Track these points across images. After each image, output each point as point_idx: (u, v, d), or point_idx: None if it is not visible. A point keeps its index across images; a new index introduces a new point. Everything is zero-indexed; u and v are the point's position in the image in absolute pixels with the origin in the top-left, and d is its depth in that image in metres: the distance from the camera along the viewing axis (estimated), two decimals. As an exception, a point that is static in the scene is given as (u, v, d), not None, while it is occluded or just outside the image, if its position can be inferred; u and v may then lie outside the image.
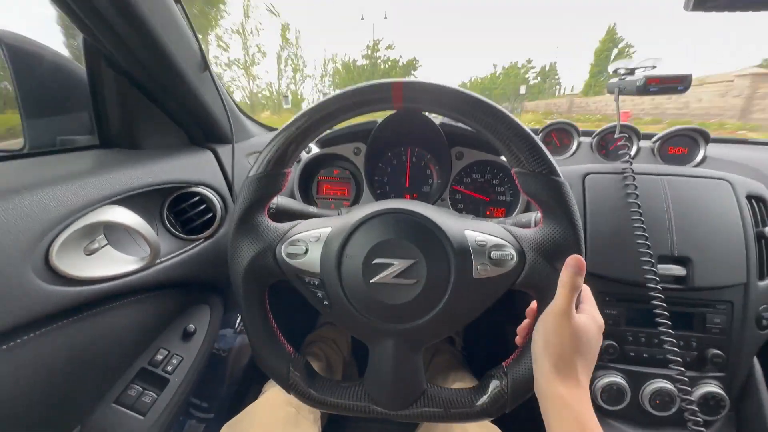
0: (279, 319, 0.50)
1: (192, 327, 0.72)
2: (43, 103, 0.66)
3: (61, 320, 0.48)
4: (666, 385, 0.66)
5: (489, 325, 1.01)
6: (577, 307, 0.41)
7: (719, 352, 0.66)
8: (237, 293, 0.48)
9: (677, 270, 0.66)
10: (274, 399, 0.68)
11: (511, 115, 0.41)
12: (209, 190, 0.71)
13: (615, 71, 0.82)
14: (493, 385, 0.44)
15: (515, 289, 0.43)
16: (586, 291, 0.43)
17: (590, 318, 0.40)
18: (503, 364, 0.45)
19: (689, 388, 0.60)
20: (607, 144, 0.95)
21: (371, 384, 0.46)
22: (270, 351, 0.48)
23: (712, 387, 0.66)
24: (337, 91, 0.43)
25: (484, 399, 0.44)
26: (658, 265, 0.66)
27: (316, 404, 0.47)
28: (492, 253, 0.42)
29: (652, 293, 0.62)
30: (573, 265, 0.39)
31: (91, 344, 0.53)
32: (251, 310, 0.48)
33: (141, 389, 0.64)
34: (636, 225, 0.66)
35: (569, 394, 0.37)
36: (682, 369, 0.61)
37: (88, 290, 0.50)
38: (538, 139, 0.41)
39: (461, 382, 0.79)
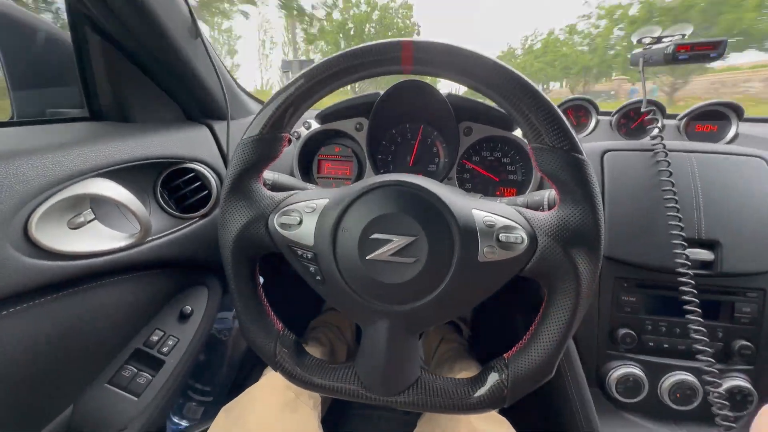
0: (285, 301, 0.48)
1: (188, 308, 0.70)
2: (32, 74, 0.64)
3: (45, 296, 0.46)
4: (688, 377, 0.62)
5: (498, 314, 0.98)
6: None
7: (748, 343, 0.61)
8: (225, 263, 0.45)
9: (704, 254, 0.61)
10: (273, 383, 0.67)
11: (532, 83, 0.36)
12: (205, 167, 0.68)
13: (639, 41, 0.76)
14: (492, 377, 0.41)
15: (523, 275, 0.40)
16: None
17: None
18: (504, 355, 0.42)
19: (718, 381, 0.55)
20: (629, 122, 0.88)
21: (362, 367, 0.43)
22: (257, 326, 0.46)
23: (739, 381, 0.61)
24: (341, 51, 0.39)
25: (481, 391, 0.40)
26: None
27: (302, 384, 0.44)
28: (500, 235, 0.38)
29: (683, 279, 0.57)
30: None
31: (80, 322, 0.52)
32: (239, 282, 0.45)
33: (135, 370, 0.62)
34: (669, 206, 0.60)
35: None
36: (712, 360, 0.56)
37: (72, 265, 0.48)
38: (559, 110, 0.36)
39: (467, 372, 0.76)
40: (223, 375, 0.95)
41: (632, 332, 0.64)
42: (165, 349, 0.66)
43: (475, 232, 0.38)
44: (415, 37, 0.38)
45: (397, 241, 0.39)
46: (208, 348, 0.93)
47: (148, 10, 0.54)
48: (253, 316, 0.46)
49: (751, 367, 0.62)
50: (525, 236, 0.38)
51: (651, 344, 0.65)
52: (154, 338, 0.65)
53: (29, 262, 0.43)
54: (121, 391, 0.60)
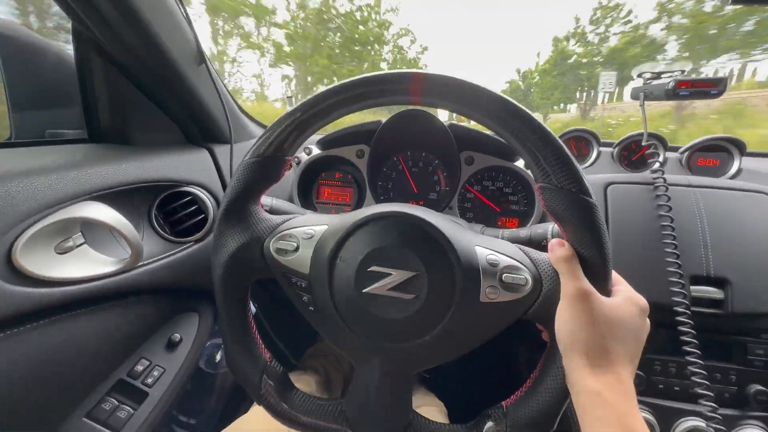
0: (282, 327, 0.45)
1: (177, 336, 0.67)
2: (33, 94, 0.64)
3: (25, 324, 0.44)
4: (701, 423, 0.58)
5: (492, 351, 0.94)
6: (610, 289, 0.36)
7: (764, 388, 0.58)
8: (215, 286, 0.43)
9: (714, 292, 0.59)
10: (264, 415, 0.63)
11: (541, 121, 0.36)
12: (202, 190, 0.67)
13: (640, 75, 0.77)
14: (489, 427, 0.38)
15: (526, 319, 0.38)
16: (616, 275, 0.38)
17: (626, 299, 0.35)
18: (503, 403, 0.39)
19: (724, 428, 0.52)
20: (630, 153, 0.88)
21: (351, 405, 0.41)
22: (243, 355, 0.44)
23: (756, 429, 0.57)
24: (348, 79, 0.39)
25: None
26: (692, 287, 0.59)
27: (286, 421, 0.42)
28: (504, 275, 0.37)
29: (680, 318, 0.55)
30: (559, 243, 0.37)
31: (62, 351, 0.49)
32: (229, 307, 0.44)
33: (117, 403, 0.59)
34: (666, 241, 0.59)
35: (607, 390, 0.31)
36: (714, 405, 0.53)
37: (56, 292, 0.46)
38: (568, 150, 0.35)
39: (427, 407, 0.73)
40: (211, 406, 0.90)
41: (641, 373, 0.61)
42: (150, 380, 0.62)
43: (477, 270, 0.37)
44: (424, 70, 0.37)
45: (396, 276, 0.37)
46: (195, 377, 0.89)
47: (154, 35, 0.55)
48: (239, 343, 0.44)
49: (767, 414, 0.59)
50: (529, 278, 0.37)
51: (661, 386, 0.62)
52: (139, 368, 0.62)
53: (10, 289, 0.41)
54: (99, 426, 0.56)
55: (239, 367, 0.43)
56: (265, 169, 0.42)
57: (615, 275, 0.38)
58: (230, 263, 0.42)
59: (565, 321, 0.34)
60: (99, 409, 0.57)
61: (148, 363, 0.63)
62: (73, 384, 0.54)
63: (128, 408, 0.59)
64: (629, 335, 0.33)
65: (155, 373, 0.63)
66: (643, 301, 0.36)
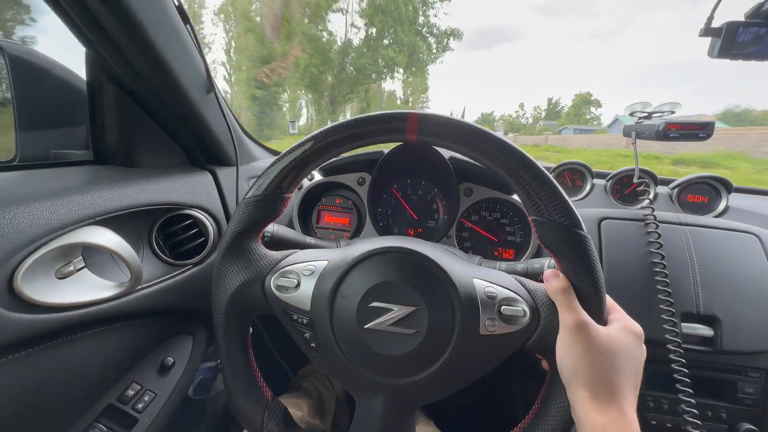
0: (279, 342, 0.45)
1: (170, 360, 0.66)
2: (40, 115, 0.64)
3: (20, 350, 0.44)
4: None
5: (491, 382, 0.93)
6: (606, 319, 0.37)
7: (753, 427, 0.59)
8: (216, 325, 0.43)
9: (704, 330, 0.60)
10: None
11: (532, 158, 0.37)
12: (203, 213, 0.68)
13: (632, 114, 0.80)
14: None
15: (526, 350, 0.39)
16: (611, 301, 0.39)
17: (622, 327, 0.36)
18: None
19: None
20: (623, 187, 0.91)
21: None
22: (245, 395, 0.43)
23: None
24: (349, 119, 0.41)
25: None
26: (683, 324, 0.60)
27: None
28: (502, 307, 0.38)
29: (672, 356, 0.56)
30: (554, 274, 0.38)
31: (53, 377, 0.48)
32: (229, 346, 0.44)
33: (105, 429, 0.57)
34: (658, 278, 0.60)
35: (611, 424, 0.31)
36: None
37: (55, 318, 0.46)
38: (559, 186, 0.37)
39: None
40: (201, 431, 0.88)
41: None
42: (140, 405, 0.61)
43: (476, 303, 0.38)
44: (420, 111, 0.39)
45: (397, 311, 0.38)
46: (186, 401, 0.87)
47: (165, 66, 0.56)
48: (241, 383, 0.43)
49: None
50: (527, 309, 0.38)
51: (653, 422, 0.62)
52: (130, 392, 0.61)
53: (9, 316, 0.41)
54: (86, 454, 0.55)
55: (240, 407, 0.43)
56: (265, 207, 0.42)
57: (610, 302, 0.39)
58: (232, 301, 0.42)
59: (565, 352, 0.35)
60: (86, 436, 0.56)
61: (139, 387, 0.62)
62: (62, 409, 0.52)
63: (116, 435, 0.58)
64: (628, 363, 0.34)
65: (146, 398, 0.62)
66: (638, 328, 0.37)
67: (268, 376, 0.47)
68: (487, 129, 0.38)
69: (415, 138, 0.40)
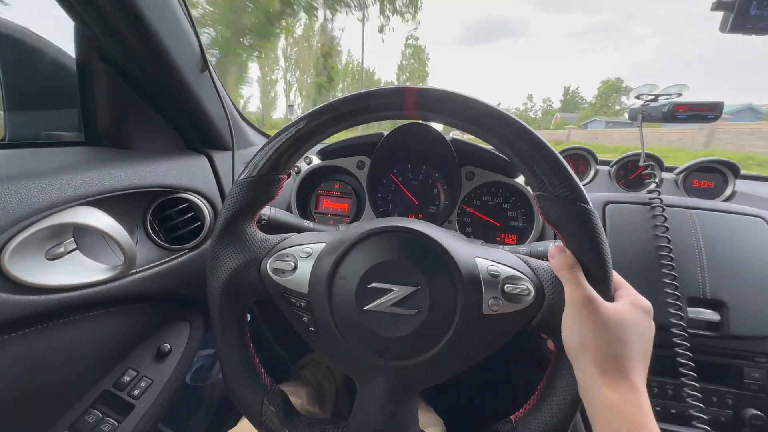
0: (273, 337, 0.44)
1: (167, 346, 0.65)
2: (30, 95, 0.63)
3: (9, 333, 0.42)
4: None
5: (494, 365, 0.93)
6: (613, 294, 0.36)
7: (759, 413, 0.58)
8: (212, 310, 0.42)
9: (710, 315, 0.59)
10: (251, 428, 0.61)
11: (536, 132, 0.36)
12: (199, 197, 0.66)
13: (638, 97, 0.78)
14: None
15: (530, 330, 0.38)
16: (618, 277, 0.38)
17: (630, 303, 0.35)
18: (512, 417, 0.39)
19: None
20: (627, 173, 0.89)
21: (356, 428, 0.39)
22: (243, 380, 0.42)
23: None
24: (344, 95, 0.39)
25: None
26: (689, 309, 0.59)
27: None
28: (506, 286, 0.37)
29: (677, 340, 0.55)
30: (559, 249, 0.37)
31: (47, 361, 0.47)
32: (226, 331, 0.42)
33: (101, 415, 0.57)
34: (664, 262, 0.59)
35: (621, 400, 0.30)
36: (708, 429, 0.53)
37: (45, 300, 0.44)
38: (564, 160, 0.36)
39: (426, 422, 0.72)
40: (198, 419, 0.88)
41: None
42: (136, 392, 0.60)
43: (479, 282, 0.37)
44: (418, 84, 0.38)
45: (398, 291, 0.37)
46: (183, 389, 0.87)
47: (157, 42, 0.54)
48: (238, 369, 0.42)
49: None
50: (531, 288, 0.37)
51: (657, 408, 0.61)
52: (126, 379, 0.60)
53: None
54: (80, 441, 0.54)
55: (239, 393, 0.42)
56: (259, 188, 0.41)
57: (617, 278, 0.38)
58: (227, 286, 0.41)
59: (571, 329, 0.34)
60: (82, 422, 0.55)
61: (135, 374, 0.61)
62: (57, 395, 0.52)
63: (113, 421, 0.57)
64: (637, 339, 0.33)
65: (142, 385, 0.61)
66: (646, 303, 0.36)
67: (268, 366, 0.46)
68: (490, 104, 0.37)
69: (414, 113, 0.38)
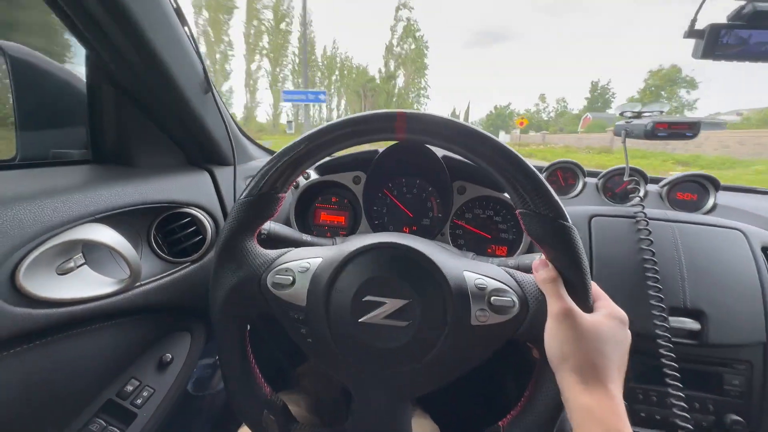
0: (279, 339, 0.46)
1: (168, 356, 0.67)
2: (40, 116, 0.65)
3: (23, 345, 0.45)
4: None
5: (483, 373, 0.94)
6: (591, 306, 0.38)
7: (739, 418, 0.60)
8: (215, 323, 0.44)
9: (691, 324, 0.62)
10: None
11: (517, 153, 0.39)
12: (201, 211, 0.69)
13: (622, 114, 0.82)
14: None
15: (516, 339, 0.40)
16: (597, 288, 0.41)
17: (607, 314, 0.37)
18: (500, 423, 0.41)
19: None
20: (614, 186, 0.93)
21: None
22: (244, 391, 0.45)
23: None
24: (340, 119, 0.42)
25: None
26: (670, 318, 0.62)
27: None
28: (492, 298, 0.39)
29: (662, 350, 0.58)
30: (542, 263, 0.40)
31: (53, 372, 0.49)
32: (228, 344, 0.45)
33: (104, 424, 0.58)
34: (649, 274, 0.62)
35: (598, 406, 0.33)
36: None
37: (55, 313, 0.47)
38: (544, 179, 0.38)
39: (422, 429, 0.73)
40: (200, 427, 0.89)
41: (624, 402, 0.63)
42: (139, 401, 0.62)
43: (467, 294, 0.39)
44: (408, 110, 0.40)
45: (390, 304, 0.39)
46: (185, 398, 0.88)
47: (164, 68, 0.57)
48: (240, 380, 0.44)
49: None
50: (516, 300, 0.39)
51: (642, 414, 0.64)
52: (129, 388, 0.62)
53: (11, 311, 0.42)
54: (85, 449, 0.56)
55: (240, 403, 0.44)
56: (259, 207, 0.43)
57: (596, 290, 0.41)
58: (229, 300, 0.43)
59: (552, 339, 0.36)
60: (86, 431, 0.56)
61: (138, 383, 0.62)
62: (63, 405, 0.53)
63: (116, 429, 0.58)
64: (613, 348, 0.36)
65: (145, 394, 0.63)
66: (622, 314, 0.38)
67: (270, 374, 0.48)
68: (475, 127, 0.40)
69: (404, 136, 0.41)
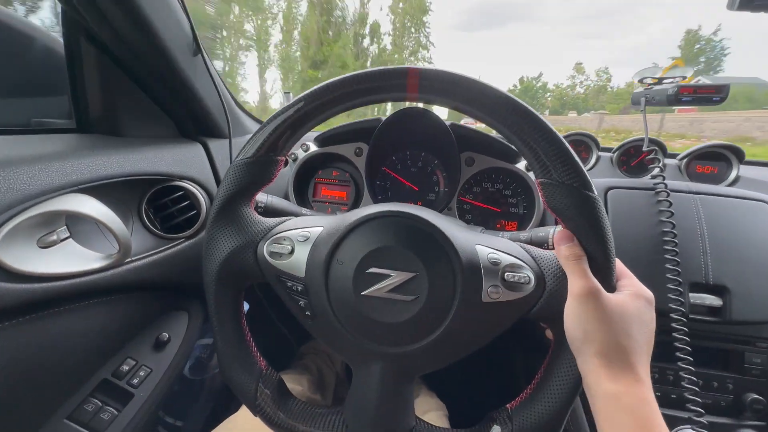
0: (274, 326, 0.44)
1: (165, 335, 0.65)
2: (18, 81, 0.61)
3: (4, 321, 0.42)
4: None
5: (492, 353, 0.93)
6: (614, 285, 0.36)
7: (760, 397, 0.58)
8: (207, 292, 0.42)
9: (712, 300, 0.58)
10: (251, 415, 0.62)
11: (541, 116, 0.35)
12: (195, 185, 0.65)
13: (641, 80, 0.76)
14: (495, 430, 0.37)
15: (529, 318, 0.37)
16: (621, 266, 0.38)
17: (633, 294, 0.34)
18: (508, 406, 0.39)
19: None
20: (629, 159, 0.88)
21: (351, 413, 0.39)
22: (238, 363, 0.42)
23: None
24: (343, 75, 0.38)
25: None
26: (691, 294, 0.59)
27: (283, 431, 0.40)
28: (506, 274, 0.36)
29: (675, 324, 0.55)
30: (564, 238, 0.36)
31: (43, 350, 0.47)
32: (221, 314, 0.42)
33: (100, 404, 0.57)
34: (667, 247, 0.58)
35: (626, 393, 0.30)
36: (701, 411, 0.53)
37: (38, 288, 0.44)
38: (569, 146, 0.34)
39: (430, 412, 0.72)
40: (198, 408, 0.88)
41: None
42: (135, 381, 0.60)
43: (479, 269, 0.36)
44: (421, 65, 0.36)
45: (396, 277, 0.36)
46: (183, 378, 0.87)
47: (147, 24, 0.52)
48: (233, 352, 0.42)
49: (763, 423, 0.58)
50: (532, 276, 0.36)
51: (658, 394, 0.61)
52: (125, 368, 0.60)
53: None
54: (80, 428, 0.54)
55: (233, 376, 0.42)
56: (257, 170, 0.40)
57: (620, 267, 0.38)
58: (223, 268, 0.41)
59: (574, 320, 0.34)
60: (81, 411, 0.55)
61: (134, 363, 0.61)
62: (55, 384, 0.51)
63: (112, 409, 0.57)
64: (640, 330, 0.33)
65: (141, 374, 0.61)
66: (648, 293, 0.35)
67: (272, 352, 0.45)
68: (493, 85, 0.36)
69: (416, 96, 0.37)
